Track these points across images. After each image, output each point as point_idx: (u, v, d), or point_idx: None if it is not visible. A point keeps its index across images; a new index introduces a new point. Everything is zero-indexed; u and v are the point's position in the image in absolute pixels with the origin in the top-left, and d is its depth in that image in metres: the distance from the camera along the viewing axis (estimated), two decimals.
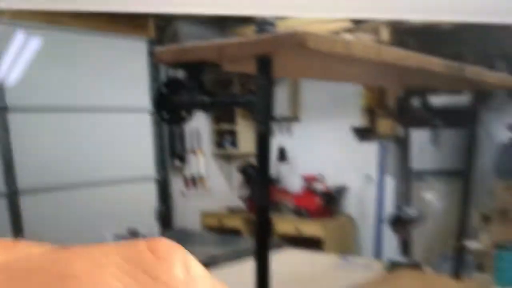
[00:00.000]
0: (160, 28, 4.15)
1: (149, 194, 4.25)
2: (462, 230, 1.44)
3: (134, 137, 4.12)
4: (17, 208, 3.37)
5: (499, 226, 3.13)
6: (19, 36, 3.30)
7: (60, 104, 3.59)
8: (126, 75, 4.00)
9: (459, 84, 1.51)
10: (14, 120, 3.36)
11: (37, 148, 3.49)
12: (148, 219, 4.18)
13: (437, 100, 3.33)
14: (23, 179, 3.40)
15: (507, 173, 3.15)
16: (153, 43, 4.09)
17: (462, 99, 3.34)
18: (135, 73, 4.07)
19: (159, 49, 0.93)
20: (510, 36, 3.19)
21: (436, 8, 0.79)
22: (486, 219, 3.29)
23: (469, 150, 1.43)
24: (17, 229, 3.37)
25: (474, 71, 1.18)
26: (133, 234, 2.09)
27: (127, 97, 4.01)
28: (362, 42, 0.79)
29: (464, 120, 1.46)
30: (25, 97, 3.42)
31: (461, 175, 3.27)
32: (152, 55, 3.99)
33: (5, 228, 3.34)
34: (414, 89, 1.48)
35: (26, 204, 3.41)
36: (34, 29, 3.38)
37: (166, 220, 4.33)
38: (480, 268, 2.91)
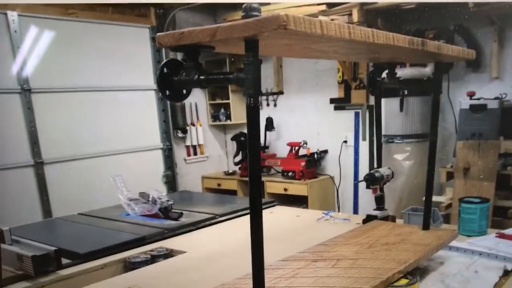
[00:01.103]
0: (160, 16, 4.13)
1: (157, 162, 4.27)
2: (430, 186, 1.45)
3: (142, 112, 4.12)
4: (42, 176, 3.40)
5: (461, 181, 3.16)
6: (33, 28, 3.27)
7: (76, 85, 3.58)
8: (133, 58, 3.99)
9: (422, 57, 1.51)
10: (37, 101, 3.35)
11: (58, 125, 3.49)
12: (157, 183, 4.20)
13: (403, 72, 3.34)
14: (47, 151, 3.41)
15: (467, 134, 3.16)
16: (155, 29, 4.07)
17: (426, 71, 3.35)
18: (141, 56, 4.06)
19: (160, 34, 0.92)
20: (466, 12, 3.18)
21: None
22: (450, 175, 3.32)
23: (433, 115, 1.43)
24: (43, 193, 3.40)
25: (435, 45, 1.18)
26: (144, 196, 2.09)
27: (134, 77, 4.00)
28: (336, 23, 0.79)
29: (428, 89, 1.45)
30: (45, 81, 3.40)
31: (426, 138, 3.30)
32: (154, 40, 3.97)
33: (33, 193, 3.37)
34: (383, 63, 1.48)
35: (50, 172, 3.43)
36: (47, 21, 3.36)
37: (172, 184, 4.35)
38: (447, 219, 2.95)
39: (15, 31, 3.19)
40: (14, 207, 3.21)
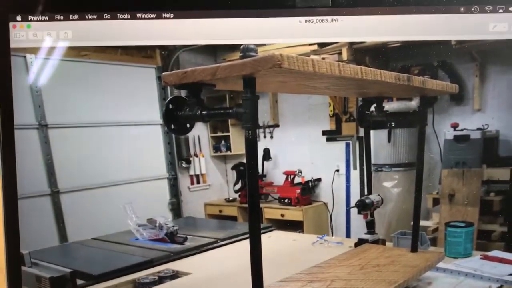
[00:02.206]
0: (165, 57, 4.18)
1: (163, 190, 4.25)
2: (417, 212, 1.44)
3: (149, 145, 4.13)
4: (58, 204, 3.38)
5: (446, 207, 3.14)
6: (49, 69, 3.31)
7: (89, 120, 3.60)
8: (140, 96, 4.02)
9: (408, 92, 1.52)
10: (53, 135, 3.36)
11: (72, 157, 3.49)
12: (163, 210, 4.18)
13: (391, 106, 3.35)
14: (63, 181, 3.40)
15: (451, 163, 3.16)
16: (160, 69, 4.12)
17: (412, 104, 3.36)
18: (148, 93, 4.08)
19: (165, 74, 0.93)
20: (448, 50, 3.21)
21: (385, 31, 0.80)
22: (436, 201, 3.30)
23: (420, 146, 1.44)
24: (59, 220, 3.38)
25: (420, 80, 1.19)
26: (151, 222, 2.09)
27: (142, 113, 4.02)
28: (327, 61, 0.80)
29: (414, 122, 1.46)
30: (61, 117, 3.42)
31: (413, 167, 3.30)
32: (160, 79, 4.01)
33: (50, 219, 3.35)
34: (371, 97, 1.49)
35: (65, 200, 3.42)
36: (63, 63, 3.39)
37: (177, 211, 4.32)
38: (434, 242, 2.92)
39: (33, 72, 3.22)
40: (33, 232, 3.18)
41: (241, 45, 0.80)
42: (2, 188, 0.73)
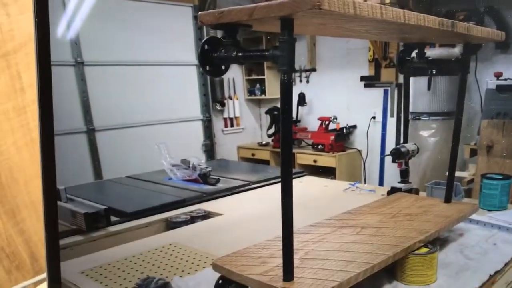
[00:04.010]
0: None
1: (197, 132, 4.31)
2: (453, 162, 1.42)
3: (184, 86, 4.16)
4: (94, 142, 3.48)
5: (484, 158, 3.08)
6: (87, 6, 3.31)
7: (125, 59, 3.62)
8: (176, 35, 4.01)
9: (452, 38, 1.46)
10: (90, 73, 3.41)
11: (108, 95, 3.55)
12: (197, 151, 4.25)
13: (433, 52, 3.24)
14: (98, 119, 3.49)
15: (492, 113, 3.07)
16: (197, 8, 4.07)
17: (454, 51, 3.25)
18: (184, 33, 4.07)
19: (201, 13, 0.91)
20: None
21: None
22: (473, 152, 3.25)
23: (460, 94, 1.39)
24: (95, 157, 3.49)
25: (464, 27, 1.14)
26: (185, 162, 2.13)
27: (178, 53, 4.02)
28: (369, 3, 0.76)
29: (456, 69, 1.40)
30: (97, 54, 3.46)
31: (452, 116, 3.23)
32: (196, 18, 3.97)
33: (86, 156, 3.47)
34: (413, 43, 1.44)
35: (100, 138, 3.51)
36: (99, 1, 3.39)
37: (210, 152, 4.40)
38: (468, 194, 2.89)
39: (70, 9, 3.23)
40: (68, 169, 3.31)
41: None
42: (39, 123, 0.74)
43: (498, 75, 3.13)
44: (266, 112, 4.83)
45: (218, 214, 1.66)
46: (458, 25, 1.10)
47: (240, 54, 0.92)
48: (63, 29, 3.23)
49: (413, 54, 1.47)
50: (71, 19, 3.25)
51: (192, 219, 1.63)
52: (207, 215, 1.67)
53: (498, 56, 3.46)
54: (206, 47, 0.95)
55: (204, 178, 2.04)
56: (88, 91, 3.41)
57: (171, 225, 1.59)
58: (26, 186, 1.39)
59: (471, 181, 3.17)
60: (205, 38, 0.94)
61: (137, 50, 3.71)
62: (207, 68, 0.97)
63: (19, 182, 1.37)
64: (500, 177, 1.57)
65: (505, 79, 3.09)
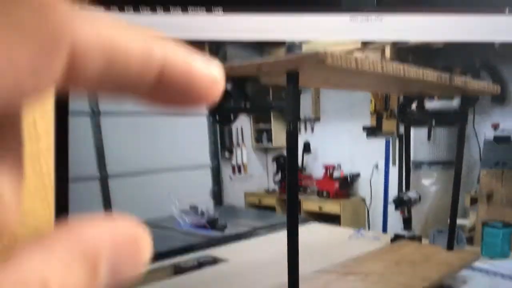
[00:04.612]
0: (213, 51, 4.22)
1: (206, 178, 4.30)
2: (454, 210, 1.41)
3: (194, 135, 4.18)
4: (106, 188, 3.48)
5: (484, 206, 3.05)
6: None
7: (137, 109, 3.67)
8: None
9: (449, 91, 1.48)
10: (104, 122, 3.45)
11: (121, 143, 3.58)
12: (205, 198, 4.23)
13: (432, 104, 3.27)
14: (111, 166, 3.50)
15: (490, 163, 3.06)
16: None
17: (453, 103, 3.27)
18: None
19: None
20: (491, 50, 3.09)
21: (429, 30, 0.78)
22: (474, 201, 3.21)
23: (459, 145, 1.40)
24: (107, 204, 3.48)
25: (462, 80, 1.16)
26: (194, 209, 2.12)
27: None
28: (370, 59, 0.78)
29: (455, 121, 1.42)
30: (111, 105, 3.51)
31: (452, 165, 3.21)
32: None
33: (98, 203, 3.46)
34: (412, 95, 1.46)
35: (113, 185, 3.51)
36: None
37: (218, 199, 4.37)
38: (470, 241, 2.84)
39: None
40: (82, 213, 3.29)
41: (286, 41, 0.80)
42: (54, 171, 0.75)
43: (495, 126, 3.14)
44: (273, 160, 4.84)
45: (224, 260, 1.64)
46: (455, 79, 1.12)
47: (248, 105, 0.93)
48: None
49: (413, 106, 1.49)
50: None
51: (200, 265, 1.60)
52: (214, 261, 1.64)
53: (494, 108, 3.48)
54: None
55: (212, 224, 2.02)
56: (103, 139, 3.45)
57: (179, 271, 1.57)
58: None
59: (473, 228, 3.12)
60: None
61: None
62: (217, 117, 0.98)
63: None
64: (501, 225, 1.55)
65: (502, 130, 3.10)
